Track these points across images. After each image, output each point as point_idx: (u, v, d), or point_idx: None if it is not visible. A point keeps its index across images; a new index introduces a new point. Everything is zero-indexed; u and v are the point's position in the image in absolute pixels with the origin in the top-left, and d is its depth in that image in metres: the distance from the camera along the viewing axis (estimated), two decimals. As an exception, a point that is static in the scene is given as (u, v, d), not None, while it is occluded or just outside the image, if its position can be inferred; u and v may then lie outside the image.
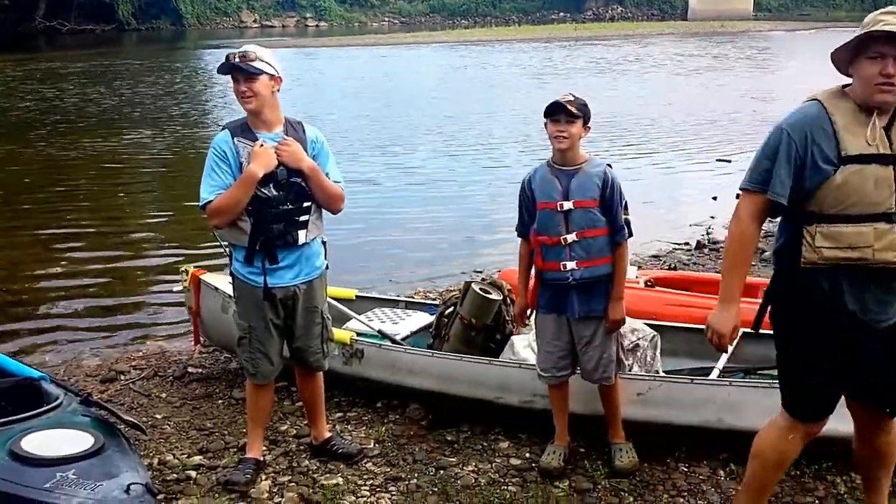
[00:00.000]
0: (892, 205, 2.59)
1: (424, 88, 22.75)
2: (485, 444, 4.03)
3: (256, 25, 59.99)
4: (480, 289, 4.44)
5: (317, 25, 60.13)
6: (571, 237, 3.53)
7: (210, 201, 3.42)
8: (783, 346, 2.89)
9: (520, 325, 4.11)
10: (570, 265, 3.54)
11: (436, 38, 44.33)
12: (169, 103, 20.22)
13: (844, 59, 2.67)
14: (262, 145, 3.42)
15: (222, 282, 4.84)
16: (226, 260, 5.07)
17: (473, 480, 3.69)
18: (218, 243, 5.11)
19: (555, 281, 3.62)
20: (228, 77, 3.45)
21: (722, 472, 3.69)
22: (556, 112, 3.51)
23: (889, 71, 2.52)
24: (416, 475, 3.76)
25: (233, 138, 3.46)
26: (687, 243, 8.35)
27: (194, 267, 5.07)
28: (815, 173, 2.62)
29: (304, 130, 3.59)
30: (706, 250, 7.99)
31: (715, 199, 10.16)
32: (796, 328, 2.81)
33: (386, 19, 64.22)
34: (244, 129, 3.50)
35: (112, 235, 9.18)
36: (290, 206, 3.48)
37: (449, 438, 4.08)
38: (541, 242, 3.61)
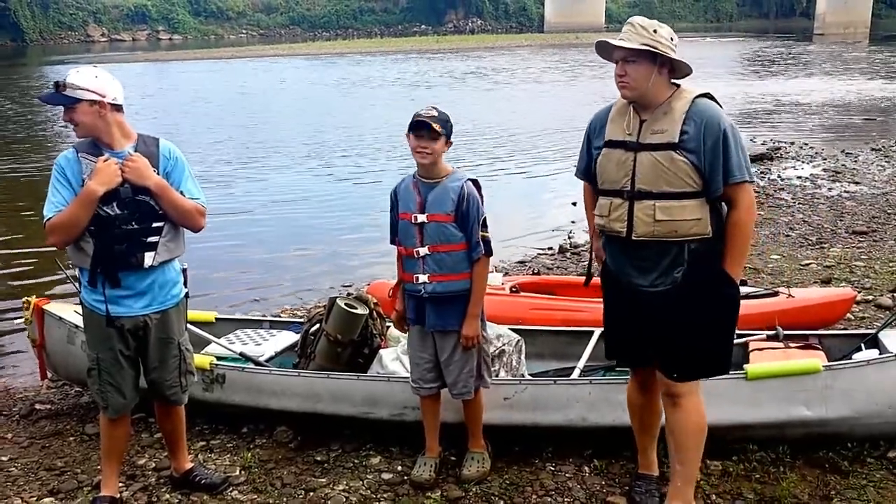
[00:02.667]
0: (627, 184, 3.05)
1: (284, 103, 22.43)
2: (356, 461, 3.97)
3: (105, 40, 57.42)
4: (345, 304, 4.38)
5: (170, 39, 58.19)
6: (424, 250, 3.53)
7: (50, 218, 3.21)
8: None
9: (400, 332, 4.02)
10: (423, 278, 3.54)
11: (297, 51, 43.87)
12: (5, 125, 18.95)
13: None
14: (106, 160, 3.24)
15: (67, 311, 4.56)
16: (72, 289, 4.83)
17: (344, 499, 3.62)
18: (63, 272, 4.82)
19: (411, 293, 3.63)
20: None
21: (587, 469, 3.78)
22: (420, 128, 3.48)
23: (618, 72, 3.04)
24: (284, 500, 3.65)
25: (77, 154, 3.28)
26: (550, 248, 8.58)
27: (37, 297, 4.73)
28: (592, 156, 3.21)
29: (157, 146, 3.39)
30: (568, 254, 8.23)
31: (574, 204, 10.50)
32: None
33: (244, 32, 63.02)
34: (91, 146, 3.31)
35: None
36: (136, 226, 3.27)
37: (318, 459, 3.99)
38: (400, 253, 3.62)
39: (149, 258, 3.30)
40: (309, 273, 8.09)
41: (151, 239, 3.30)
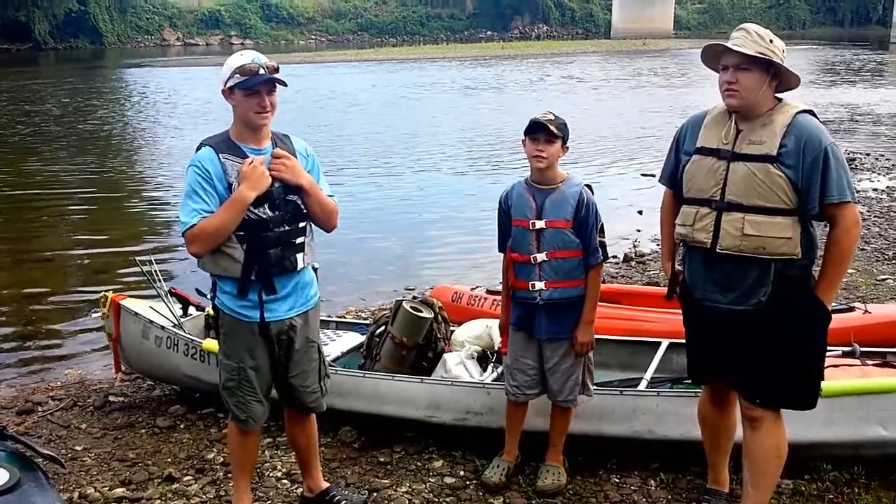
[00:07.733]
0: (717, 194, 2.95)
1: (353, 107, 22.65)
2: (418, 463, 3.98)
3: (179, 44, 59.00)
4: (411, 307, 4.41)
5: (242, 43, 59.34)
6: (541, 256, 3.47)
7: (193, 226, 2.99)
8: None
9: (503, 346, 3.91)
10: (539, 285, 3.49)
11: (364, 57, 44.33)
12: (87, 126, 19.63)
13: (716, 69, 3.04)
14: (251, 163, 3.05)
15: (143, 307, 4.70)
16: (147, 286, 4.97)
17: (407, 502, 3.64)
18: (139, 268, 4.96)
19: (524, 300, 3.56)
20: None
21: (653, 482, 3.72)
22: (537, 131, 3.44)
23: (728, 79, 2.91)
24: (348, 499, 3.68)
25: (218, 155, 3.06)
26: (615, 256, 8.46)
27: (114, 292, 4.89)
28: (681, 161, 3.13)
29: (291, 142, 3.25)
30: (633, 263, 8.13)
31: (640, 213, 10.38)
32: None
33: (313, 37, 63.96)
34: (229, 145, 3.10)
35: (28, 261, 8.84)
36: (287, 228, 3.11)
37: (382, 460, 4.02)
38: (513, 259, 3.56)
39: (300, 259, 3.16)
40: (373, 276, 8.16)
41: (300, 240, 3.17)
